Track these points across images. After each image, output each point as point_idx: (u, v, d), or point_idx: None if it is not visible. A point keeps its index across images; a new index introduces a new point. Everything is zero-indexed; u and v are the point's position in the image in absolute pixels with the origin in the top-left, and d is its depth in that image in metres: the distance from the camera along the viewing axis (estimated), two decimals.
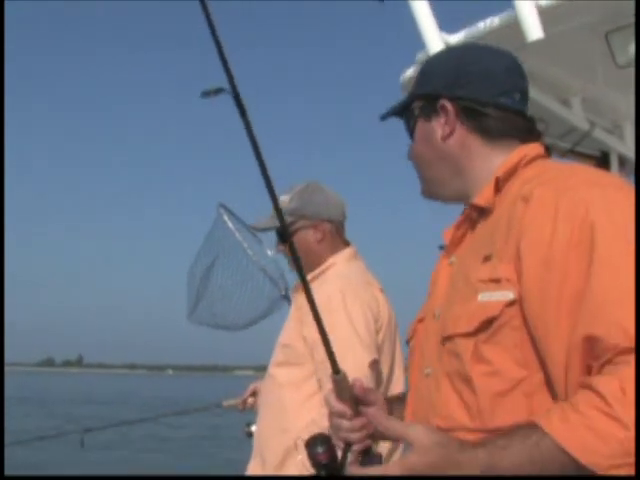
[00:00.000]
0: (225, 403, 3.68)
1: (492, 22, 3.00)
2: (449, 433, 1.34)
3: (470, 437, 1.32)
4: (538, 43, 2.87)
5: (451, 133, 1.51)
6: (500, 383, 1.31)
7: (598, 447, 1.13)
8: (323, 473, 1.52)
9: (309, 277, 2.85)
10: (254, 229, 3.04)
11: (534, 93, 3.36)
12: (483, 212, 1.46)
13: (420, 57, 3.27)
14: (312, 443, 1.52)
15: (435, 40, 2.96)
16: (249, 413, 3.46)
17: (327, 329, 2.70)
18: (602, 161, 4.03)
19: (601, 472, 1.12)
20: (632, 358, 1.13)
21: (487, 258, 1.36)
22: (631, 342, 1.14)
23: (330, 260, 2.85)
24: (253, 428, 3.14)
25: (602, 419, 1.13)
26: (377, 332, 2.72)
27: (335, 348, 2.63)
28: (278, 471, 2.65)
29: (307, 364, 2.65)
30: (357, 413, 1.48)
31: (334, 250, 2.87)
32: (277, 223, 2.86)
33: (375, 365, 2.62)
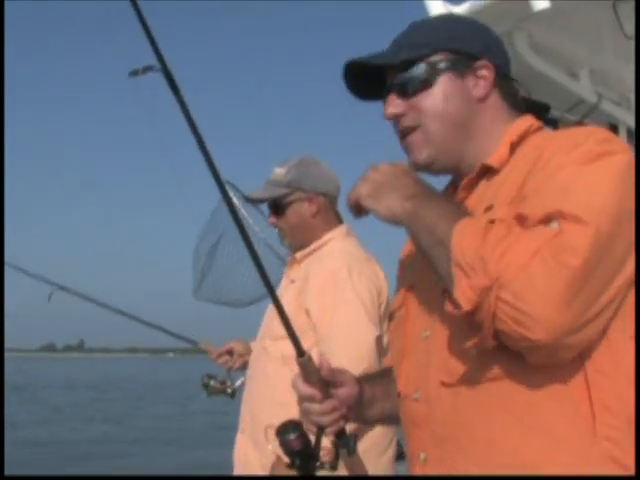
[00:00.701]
0: (202, 344, 3.65)
1: None
2: (455, 388, 1.36)
3: (475, 391, 1.34)
4: (544, 13, 2.82)
5: (487, 96, 1.50)
6: None
7: (467, 237, 1.23)
8: (297, 461, 1.50)
9: (305, 252, 2.86)
10: (248, 199, 3.02)
11: (540, 65, 3.33)
12: (486, 174, 1.46)
13: None
14: (283, 430, 1.50)
15: (440, 11, 2.91)
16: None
17: (333, 303, 2.71)
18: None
19: (453, 258, 1.23)
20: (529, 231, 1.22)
21: (488, 208, 1.36)
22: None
23: (327, 235, 2.86)
24: (212, 382, 3.24)
25: (491, 230, 1.23)
26: (380, 307, 2.73)
27: (342, 323, 2.64)
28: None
29: (307, 337, 2.63)
30: (327, 395, 1.46)
31: (328, 225, 2.87)
32: (272, 193, 2.85)
33: (379, 340, 2.62)
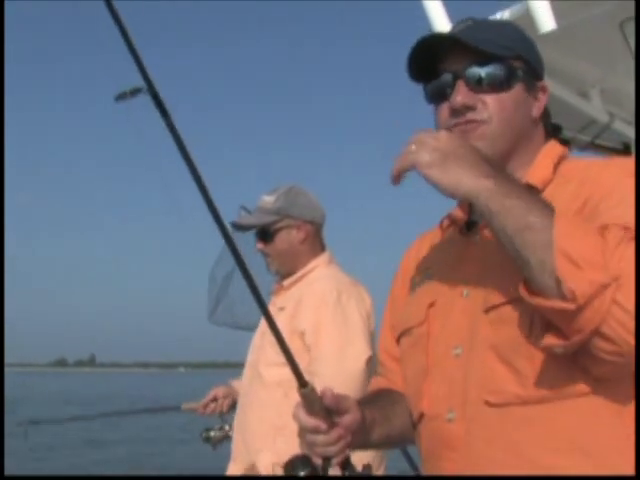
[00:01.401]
0: (184, 406, 3.66)
1: (503, 14, 2.97)
2: (503, 408, 1.33)
3: (526, 411, 1.31)
4: (552, 34, 2.85)
5: (539, 117, 1.50)
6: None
7: (576, 233, 1.19)
8: None
9: (291, 280, 2.91)
10: (237, 226, 3.06)
11: (551, 86, 3.31)
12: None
13: None
14: (291, 467, 1.46)
15: (442, 23, 2.94)
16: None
17: (325, 324, 2.74)
18: (623, 153, 3.96)
19: (556, 246, 1.17)
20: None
21: None
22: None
23: (312, 263, 2.94)
24: (212, 434, 3.25)
25: (595, 230, 1.19)
26: (369, 328, 2.80)
27: (335, 344, 2.66)
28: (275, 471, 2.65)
29: (302, 359, 2.68)
30: (331, 424, 1.41)
31: (314, 253, 2.94)
32: (261, 220, 2.91)
33: (370, 361, 2.66)
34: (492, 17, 3.04)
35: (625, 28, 2.97)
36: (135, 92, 1.35)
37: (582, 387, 1.28)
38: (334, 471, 1.48)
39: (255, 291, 1.58)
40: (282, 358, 2.78)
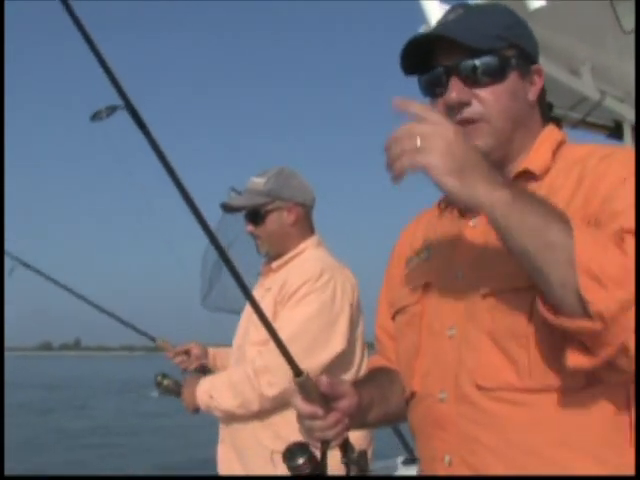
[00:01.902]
0: (159, 341, 3.55)
1: None
2: (494, 392, 1.34)
3: (516, 397, 1.31)
4: (542, 11, 2.83)
5: (535, 101, 1.50)
6: (558, 337, 1.25)
7: (596, 249, 1.15)
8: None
9: (280, 261, 2.91)
10: (227, 207, 3.05)
11: (541, 63, 3.31)
12: (523, 178, 1.45)
13: (422, 31, 3.22)
14: (290, 455, 1.45)
15: (436, 13, 2.92)
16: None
17: (303, 310, 2.76)
18: (615, 131, 3.96)
19: (578, 265, 1.14)
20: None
21: None
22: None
23: (301, 245, 2.95)
24: (165, 382, 3.14)
25: (613, 244, 1.17)
26: (353, 314, 2.83)
27: (312, 329, 2.69)
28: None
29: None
30: (328, 409, 1.42)
31: (304, 235, 2.95)
32: (252, 202, 2.90)
33: (339, 357, 2.74)
34: None
35: (616, 5, 2.95)
36: (111, 110, 1.30)
37: (577, 383, 1.28)
38: (333, 457, 1.49)
39: (238, 278, 1.58)
40: (263, 336, 2.84)
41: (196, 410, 2.91)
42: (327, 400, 1.42)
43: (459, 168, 1.21)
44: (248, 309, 3.01)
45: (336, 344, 2.72)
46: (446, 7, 2.97)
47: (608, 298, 1.13)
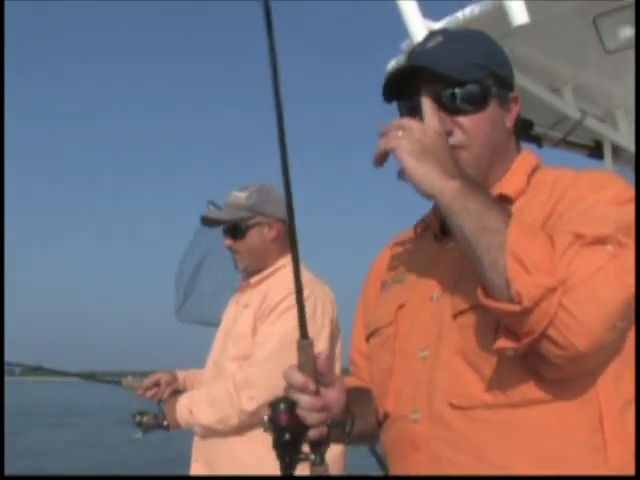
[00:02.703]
0: (125, 382, 3.41)
1: (477, 8, 2.93)
2: (468, 411, 1.34)
3: (490, 415, 1.32)
4: (525, 29, 2.81)
5: (512, 128, 1.53)
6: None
7: (527, 236, 1.23)
8: (287, 437, 1.35)
9: (259, 277, 2.88)
10: (206, 220, 3.02)
11: (523, 81, 3.31)
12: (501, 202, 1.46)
13: (405, 47, 3.20)
14: (275, 402, 1.38)
15: (419, 28, 2.89)
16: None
17: (288, 323, 2.74)
18: (595, 150, 3.96)
19: (509, 247, 1.20)
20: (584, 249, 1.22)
21: None
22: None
23: (280, 261, 2.92)
24: (145, 419, 3.02)
25: (548, 246, 1.21)
26: (333, 329, 2.82)
27: (277, 349, 2.66)
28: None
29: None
30: (318, 392, 1.37)
31: (283, 252, 2.93)
32: (233, 215, 2.87)
33: None
34: (464, 10, 3.00)
35: (598, 24, 2.95)
36: None
37: (546, 393, 1.29)
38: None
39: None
40: (242, 352, 2.78)
41: (178, 426, 2.85)
42: (318, 383, 1.38)
43: (421, 152, 1.32)
44: (225, 324, 2.98)
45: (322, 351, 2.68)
46: (429, 23, 2.95)
47: (529, 282, 1.18)
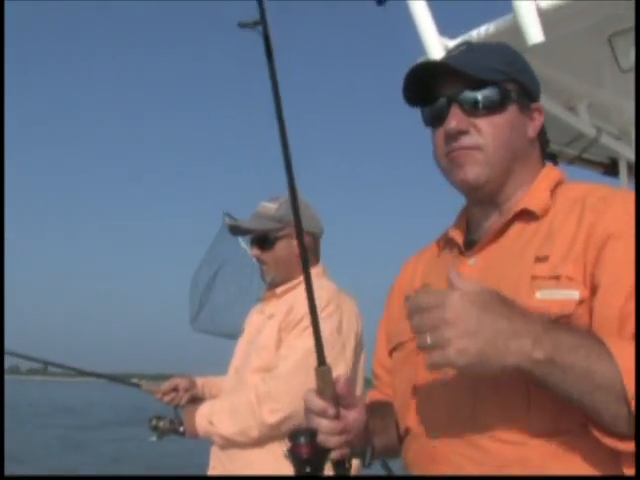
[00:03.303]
0: (144, 385, 3.39)
1: (492, 26, 2.96)
2: (489, 432, 1.32)
3: (516, 437, 1.29)
4: (541, 47, 2.83)
5: (535, 138, 1.52)
6: None
7: None
8: (308, 470, 1.37)
9: (284, 287, 2.87)
10: (235, 229, 3.01)
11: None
12: (522, 217, 1.45)
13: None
14: (295, 434, 1.39)
15: (435, 45, 2.92)
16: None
17: (306, 339, 2.72)
18: (610, 168, 3.96)
19: (631, 398, 1.13)
20: None
21: (541, 259, 1.34)
22: None
23: None
24: (162, 424, 3.02)
25: None
26: (357, 344, 2.79)
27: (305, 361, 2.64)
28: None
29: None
30: (338, 415, 1.38)
31: (310, 264, 2.89)
32: (263, 226, 2.85)
33: None
34: (480, 29, 3.03)
35: (613, 42, 2.96)
36: (255, 25, 1.37)
37: (572, 427, 1.27)
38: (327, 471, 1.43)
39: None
40: (264, 363, 2.76)
41: (196, 435, 2.85)
42: (338, 405, 1.39)
43: (481, 347, 1.17)
44: (248, 333, 2.97)
45: (342, 374, 2.67)
46: (445, 41, 2.98)
47: None
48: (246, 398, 2.68)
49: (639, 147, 3.53)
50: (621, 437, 1.18)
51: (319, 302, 2.69)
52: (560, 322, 1.25)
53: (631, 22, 2.82)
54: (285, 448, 1.41)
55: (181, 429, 3.00)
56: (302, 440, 1.37)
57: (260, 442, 2.66)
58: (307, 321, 2.65)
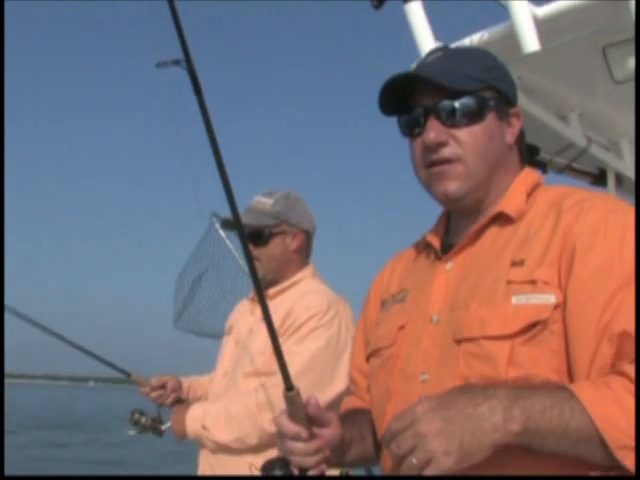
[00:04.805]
0: (134, 376, 3.26)
1: (488, 33, 2.95)
2: None
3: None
4: (535, 56, 2.82)
5: (514, 143, 1.52)
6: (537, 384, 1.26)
7: (620, 422, 1.14)
8: None
9: (277, 289, 2.83)
10: (231, 222, 2.96)
11: (530, 107, 3.33)
12: (498, 221, 1.45)
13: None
14: (269, 467, 1.39)
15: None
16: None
17: (314, 344, 2.68)
18: (599, 178, 3.97)
19: (613, 448, 1.13)
20: None
21: (518, 263, 1.34)
22: None
23: (298, 274, 2.86)
24: (143, 420, 2.99)
25: (630, 400, 1.14)
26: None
27: (320, 366, 2.61)
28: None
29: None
30: (312, 435, 1.38)
31: (301, 263, 2.87)
32: (259, 222, 2.82)
33: (339, 396, 2.66)
34: (474, 36, 3.02)
35: (608, 53, 2.96)
36: (175, 63, 1.37)
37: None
38: None
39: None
40: (257, 367, 2.73)
41: (183, 437, 2.80)
42: (311, 425, 1.39)
43: (457, 441, 1.17)
44: (238, 333, 2.91)
45: (340, 382, 2.60)
46: (435, 36, 2.97)
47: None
48: (245, 405, 2.63)
49: (639, 159, 3.54)
50: (605, 469, 1.20)
51: (319, 308, 2.68)
52: (525, 386, 1.24)
53: (626, 34, 2.82)
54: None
55: (162, 428, 2.96)
56: (277, 472, 1.38)
57: (257, 449, 2.63)
58: (307, 327, 2.63)
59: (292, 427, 1.38)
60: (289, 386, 1.40)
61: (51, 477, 11.64)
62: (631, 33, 2.80)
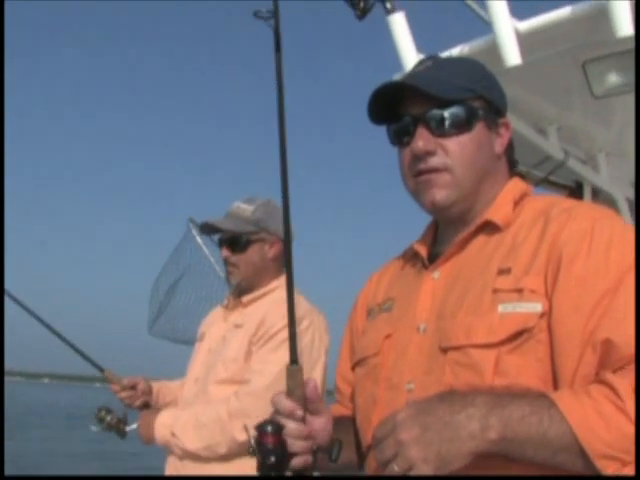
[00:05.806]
0: (108, 373, 3.15)
1: (470, 46, 2.97)
2: None
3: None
4: (516, 69, 2.85)
5: (502, 153, 1.51)
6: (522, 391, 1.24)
7: (600, 431, 1.13)
8: (273, 459, 1.34)
9: (251, 297, 2.81)
10: (208, 227, 2.92)
11: (510, 120, 3.35)
12: (485, 230, 1.45)
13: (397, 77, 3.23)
14: (263, 424, 1.36)
15: (413, 62, 2.91)
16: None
17: (287, 353, 2.66)
18: (576, 191, 4.01)
19: (593, 457, 1.13)
20: None
21: (504, 271, 1.34)
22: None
23: (274, 283, 2.83)
24: (109, 418, 2.94)
25: (611, 408, 1.14)
26: (326, 360, 2.76)
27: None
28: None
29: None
30: (304, 419, 1.37)
31: (278, 272, 2.85)
32: (238, 228, 2.79)
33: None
34: (455, 49, 3.04)
35: (587, 69, 2.99)
36: (269, 17, 1.39)
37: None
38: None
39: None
40: (230, 375, 2.70)
41: (150, 442, 2.77)
42: (306, 410, 1.38)
43: (435, 448, 1.17)
44: (211, 340, 2.88)
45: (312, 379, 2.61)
46: (422, 57, 2.98)
47: (622, 467, 1.14)
48: (215, 413, 2.60)
49: (639, 172, 3.58)
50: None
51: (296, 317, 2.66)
52: (505, 394, 1.22)
53: (606, 50, 2.86)
54: (252, 439, 1.37)
55: (127, 429, 2.92)
56: (269, 429, 1.34)
57: (226, 457, 2.60)
58: (282, 335, 2.61)
59: (288, 403, 1.37)
60: (294, 359, 1.38)
61: (51, 477, 11.50)
62: (611, 49, 2.84)
